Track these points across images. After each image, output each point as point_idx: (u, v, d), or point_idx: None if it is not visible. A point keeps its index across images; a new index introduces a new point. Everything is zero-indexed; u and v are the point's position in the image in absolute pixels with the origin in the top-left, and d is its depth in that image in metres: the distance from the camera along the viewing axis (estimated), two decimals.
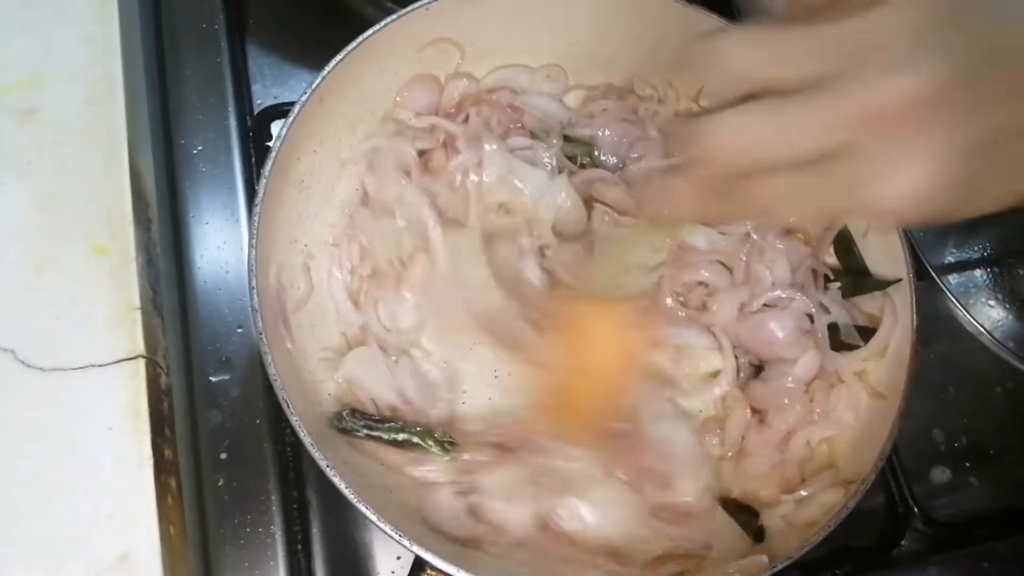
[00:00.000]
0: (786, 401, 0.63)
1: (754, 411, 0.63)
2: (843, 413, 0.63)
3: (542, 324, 0.60)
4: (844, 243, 0.67)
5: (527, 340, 0.60)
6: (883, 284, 0.64)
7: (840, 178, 0.34)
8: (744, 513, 0.60)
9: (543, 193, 0.66)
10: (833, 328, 0.65)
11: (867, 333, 0.64)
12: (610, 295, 0.56)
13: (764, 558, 0.56)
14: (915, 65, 0.32)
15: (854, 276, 0.66)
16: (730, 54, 0.36)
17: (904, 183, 0.33)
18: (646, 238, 0.61)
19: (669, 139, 0.49)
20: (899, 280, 0.62)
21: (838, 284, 0.66)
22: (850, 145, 0.34)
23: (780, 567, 0.54)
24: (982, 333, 0.68)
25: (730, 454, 0.63)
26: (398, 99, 0.68)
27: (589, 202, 0.67)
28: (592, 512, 0.58)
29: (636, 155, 0.69)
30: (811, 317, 0.64)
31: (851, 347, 0.64)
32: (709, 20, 0.65)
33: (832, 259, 0.68)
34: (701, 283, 0.66)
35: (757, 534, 0.59)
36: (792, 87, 0.34)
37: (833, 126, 0.34)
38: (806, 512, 0.59)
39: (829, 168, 0.34)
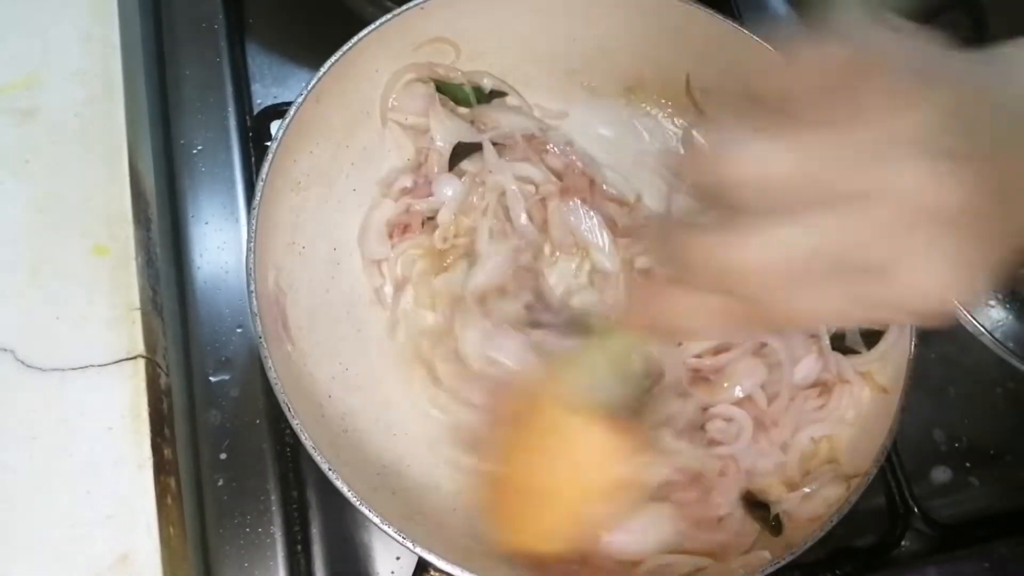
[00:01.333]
0: (788, 401, 0.62)
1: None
2: (846, 411, 0.63)
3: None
4: None
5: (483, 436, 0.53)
6: None
7: (867, 282, 0.32)
8: (760, 509, 0.60)
9: None
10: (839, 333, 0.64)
11: (870, 335, 0.64)
12: (584, 403, 0.46)
13: (766, 553, 0.56)
14: (949, 175, 0.30)
15: None
16: (743, 158, 0.32)
17: (935, 285, 0.32)
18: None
19: (658, 244, 0.37)
20: None
21: None
22: (878, 252, 0.32)
23: (783, 562, 0.54)
24: (982, 333, 0.67)
25: None
26: (394, 102, 0.68)
27: None
28: (631, 531, 0.57)
29: None
30: None
31: (854, 352, 0.64)
32: (712, 18, 0.65)
33: None
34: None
35: (774, 527, 0.59)
36: (809, 196, 0.31)
37: (862, 236, 0.31)
38: (808, 508, 0.59)
39: (854, 274, 0.32)
